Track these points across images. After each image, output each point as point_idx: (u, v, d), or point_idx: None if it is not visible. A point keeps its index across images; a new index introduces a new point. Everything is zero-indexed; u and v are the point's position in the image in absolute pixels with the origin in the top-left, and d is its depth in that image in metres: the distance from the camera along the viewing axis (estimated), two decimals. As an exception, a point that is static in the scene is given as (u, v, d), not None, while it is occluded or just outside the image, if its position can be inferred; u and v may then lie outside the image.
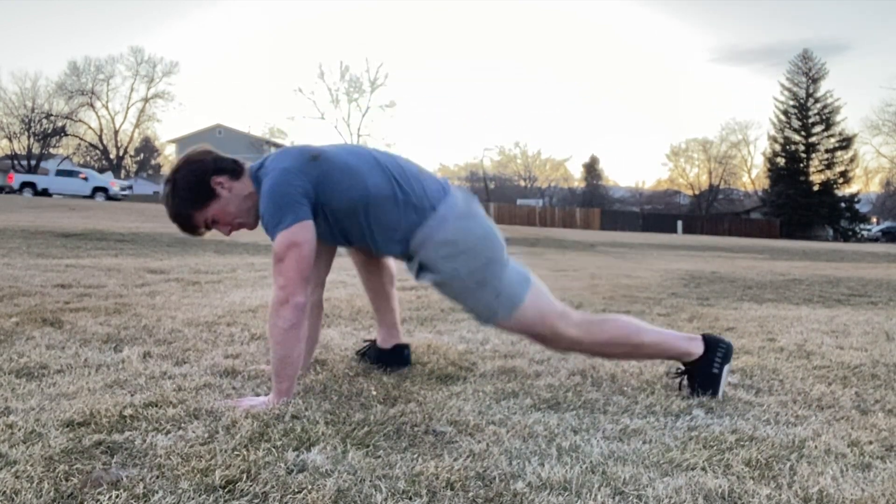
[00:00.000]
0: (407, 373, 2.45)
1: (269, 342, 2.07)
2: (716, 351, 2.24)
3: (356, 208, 2.09)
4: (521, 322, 2.16)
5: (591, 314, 2.40)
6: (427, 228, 2.09)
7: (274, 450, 1.61)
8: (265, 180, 2.06)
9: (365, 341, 2.69)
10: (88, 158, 59.01)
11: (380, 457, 1.60)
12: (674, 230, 43.50)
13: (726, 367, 2.25)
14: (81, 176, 32.17)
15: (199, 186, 2.12)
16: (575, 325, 2.18)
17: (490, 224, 2.19)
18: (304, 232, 2.00)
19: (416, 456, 1.61)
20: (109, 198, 30.00)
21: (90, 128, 53.42)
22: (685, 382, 2.27)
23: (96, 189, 30.95)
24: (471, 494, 1.42)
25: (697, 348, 2.25)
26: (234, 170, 2.15)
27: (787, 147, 48.72)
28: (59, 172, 34.29)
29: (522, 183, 65.98)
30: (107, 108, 53.81)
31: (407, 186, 2.11)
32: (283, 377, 2.02)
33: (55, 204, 21.18)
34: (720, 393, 2.21)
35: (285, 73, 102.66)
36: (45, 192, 30.17)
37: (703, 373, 2.23)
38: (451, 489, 1.44)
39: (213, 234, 2.28)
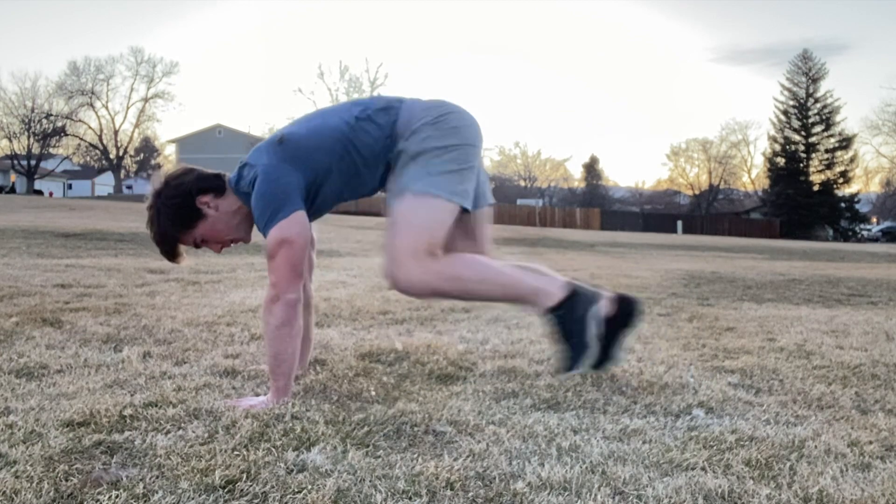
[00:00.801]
0: (407, 373, 2.46)
1: (264, 340, 2.07)
2: (576, 298, 2.12)
3: (342, 151, 2.07)
4: (410, 215, 2.02)
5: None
6: (403, 117, 2.10)
7: (274, 450, 1.61)
8: (256, 184, 2.04)
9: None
10: (88, 158, 59.06)
11: (380, 457, 1.60)
12: (674, 230, 43.49)
13: (594, 317, 2.12)
14: None
15: (184, 208, 2.11)
16: (429, 263, 2.01)
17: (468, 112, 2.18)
18: (294, 225, 1.99)
19: (415, 456, 1.61)
20: None
21: (90, 128, 53.47)
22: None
23: None
24: (471, 494, 1.42)
25: (557, 293, 2.11)
26: (217, 186, 2.14)
27: (787, 147, 48.72)
28: None
29: (522, 183, 65.99)
30: (107, 108, 53.90)
31: (363, 104, 2.14)
32: (279, 374, 2.02)
33: (55, 204, 21.18)
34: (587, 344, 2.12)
35: (285, 73, 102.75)
36: None
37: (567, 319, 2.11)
38: (451, 489, 1.44)
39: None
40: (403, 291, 2.07)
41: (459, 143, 2.11)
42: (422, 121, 2.09)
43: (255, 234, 2.21)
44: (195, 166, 2.21)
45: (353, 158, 2.09)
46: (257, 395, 2.10)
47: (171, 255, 2.21)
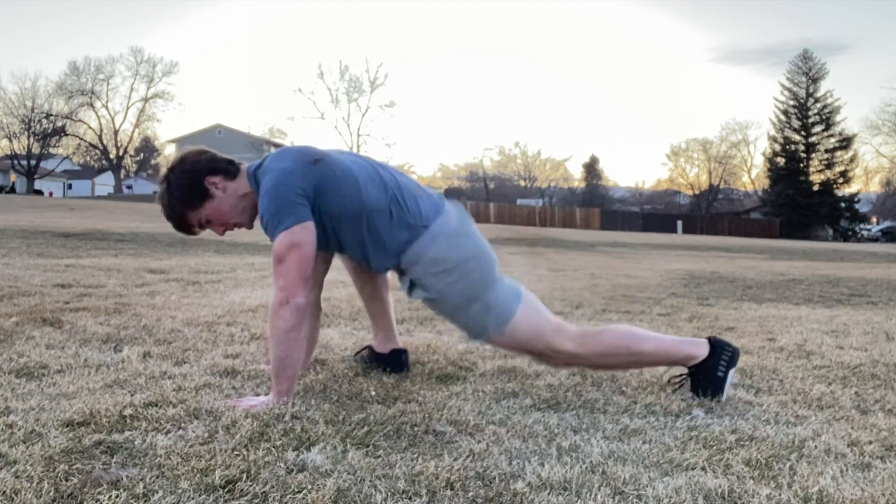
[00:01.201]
0: (407, 373, 2.45)
1: (269, 343, 2.07)
2: (721, 354, 2.20)
3: (351, 217, 2.08)
4: (514, 337, 2.14)
5: (587, 327, 2.37)
6: (418, 247, 2.10)
7: (274, 450, 1.61)
8: (265, 180, 2.05)
9: (363, 349, 2.64)
10: (88, 158, 59.08)
11: (380, 457, 1.60)
12: (674, 230, 43.50)
13: (732, 371, 2.20)
14: None
15: (194, 186, 2.11)
16: (571, 339, 2.15)
17: (482, 241, 2.20)
18: (304, 233, 2.00)
19: (415, 456, 1.61)
20: None
21: (90, 128, 53.49)
22: (687, 384, 2.24)
23: None
24: (471, 494, 1.42)
25: (701, 351, 2.21)
26: (228, 170, 2.15)
27: (787, 147, 48.73)
28: None
29: (522, 183, 66.00)
30: (107, 108, 53.90)
31: (402, 203, 2.11)
32: (283, 378, 2.01)
33: (55, 204, 21.18)
34: (724, 396, 2.18)
35: (285, 73, 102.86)
36: None
37: (707, 376, 2.19)
38: (451, 489, 1.44)
39: (210, 234, 2.28)
40: (565, 363, 2.29)
41: (490, 273, 2.15)
42: (444, 269, 2.10)
43: (256, 233, 2.21)
44: (211, 149, 2.22)
45: (354, 230, 2.10)
46: (257, 394, 2.10)
47: (186, 229, 2.21)
